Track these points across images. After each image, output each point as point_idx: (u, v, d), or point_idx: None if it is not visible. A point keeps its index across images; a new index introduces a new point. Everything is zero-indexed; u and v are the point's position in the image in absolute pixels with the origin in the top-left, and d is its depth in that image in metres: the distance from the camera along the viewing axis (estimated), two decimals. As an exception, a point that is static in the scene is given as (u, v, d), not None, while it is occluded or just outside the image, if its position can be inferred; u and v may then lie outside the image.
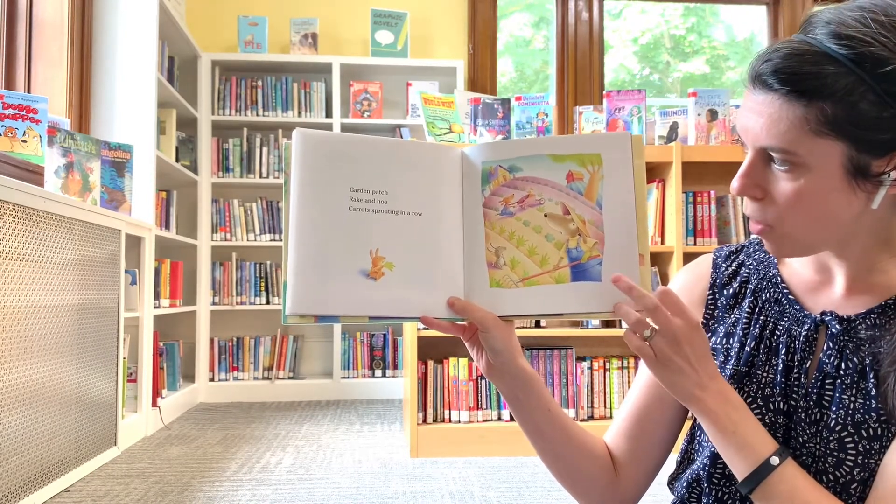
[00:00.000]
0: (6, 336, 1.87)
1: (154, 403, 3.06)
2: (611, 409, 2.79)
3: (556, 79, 4.45)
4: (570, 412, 2.74)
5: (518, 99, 2.86)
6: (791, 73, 0.66)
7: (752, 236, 0.90)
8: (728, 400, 0.71)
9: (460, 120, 2.94)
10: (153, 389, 3.04)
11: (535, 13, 4.61)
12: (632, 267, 0.74)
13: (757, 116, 0.69)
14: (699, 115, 2.81)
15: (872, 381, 0.71)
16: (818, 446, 0.72)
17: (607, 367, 2.78)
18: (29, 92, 2.89)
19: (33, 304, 2.02)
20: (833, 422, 0.71)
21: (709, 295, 0.86)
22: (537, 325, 2.75)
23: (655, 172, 2.80)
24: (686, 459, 0.85)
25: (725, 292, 0.84)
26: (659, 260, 2.83)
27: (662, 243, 2.75)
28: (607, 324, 2.79)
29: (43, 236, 2.07)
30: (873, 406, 0.70)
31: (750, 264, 0.85)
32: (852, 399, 0.71)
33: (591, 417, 2.77)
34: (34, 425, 2.02)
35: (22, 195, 1.94)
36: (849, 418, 0.71)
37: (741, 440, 0.70)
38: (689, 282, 0.88)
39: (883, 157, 0.66)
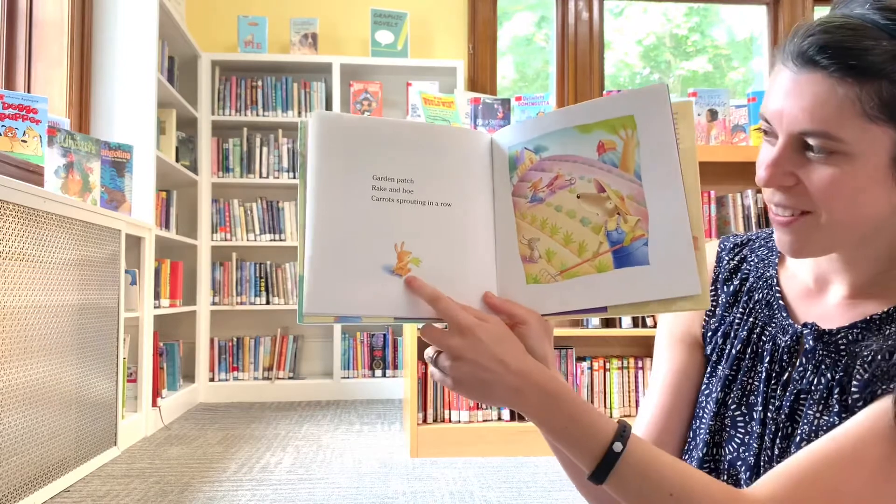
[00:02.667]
0: (6, 336, 1.87)
1: (154, 403, 3.06)
2: (611, 409, 2.78)
3: (556, 78, 4.45)
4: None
5: (518, 99, 2.86)
6: (843, 49, 0.59)
7: (760, 230, 0.85)
8: (547, 393, 0.63)
9: (460, 120, 2.94)
10: (153, 389, 3.04)
11: (536, 11, 4.61)
12: (683, 245, 0.63)
13: (796, 98, 0.61)
14: (699, 115, 2.81)
15: (836, 396, 0.66)
16: None
17: (607, 367, 2.78)
18: (29, 92, 2.89)
19: (33, 304, 2.02)
20: (799, 437, 0.67)
21: (711, 291, 0.82)
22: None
23: (655, 172, 2.80)
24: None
25: (726, 289, 0.81)
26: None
27: (662, 243, 2.74)
28: (607, 323, 2.78)
29: (43, 236, 2.07)
30: (836, 423, 0.64)
31: (752, 260, 0.81)
32: (817, 415, 0.67)
33: (592, 417, 2.77)
34: (34, 425, 2.02)
35: (22, 195, 1.94)
36: (812, 435, 0.66)
37: (574, 436, 0.62)
38: None
39: None
